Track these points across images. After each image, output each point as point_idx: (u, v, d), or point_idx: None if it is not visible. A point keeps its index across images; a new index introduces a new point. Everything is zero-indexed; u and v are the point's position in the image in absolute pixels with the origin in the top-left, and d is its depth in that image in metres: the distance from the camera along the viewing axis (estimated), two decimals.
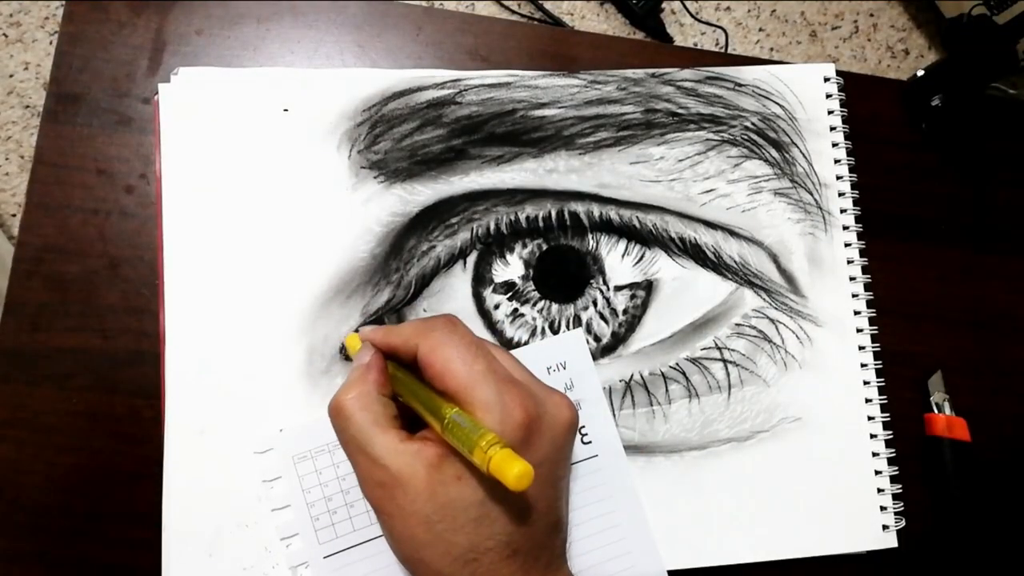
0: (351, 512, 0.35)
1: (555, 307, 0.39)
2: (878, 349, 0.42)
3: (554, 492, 0.32)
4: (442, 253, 0.39)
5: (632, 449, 0.39)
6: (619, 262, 0.40)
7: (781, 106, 0.43)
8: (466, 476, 0.29)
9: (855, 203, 0.43)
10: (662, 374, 0.39)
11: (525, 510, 0.30)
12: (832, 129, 0.43)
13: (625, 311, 0.40)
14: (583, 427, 0.38)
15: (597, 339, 0.39)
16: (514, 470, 0.26)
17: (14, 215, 0.99)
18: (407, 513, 0.29)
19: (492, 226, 0.39)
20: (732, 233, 0.41)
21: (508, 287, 0.39)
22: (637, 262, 0.40)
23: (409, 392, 0.32)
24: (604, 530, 0.37)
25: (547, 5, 1.13)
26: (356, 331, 0.37)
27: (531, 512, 0.30)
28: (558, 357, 0.38)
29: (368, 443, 0.29)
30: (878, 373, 0.41)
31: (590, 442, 0.38)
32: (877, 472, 0.40)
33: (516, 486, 0.26)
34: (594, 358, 0.39)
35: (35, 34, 1.03)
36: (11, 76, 1.02)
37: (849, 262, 0.42)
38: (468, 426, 0.28)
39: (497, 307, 0.39)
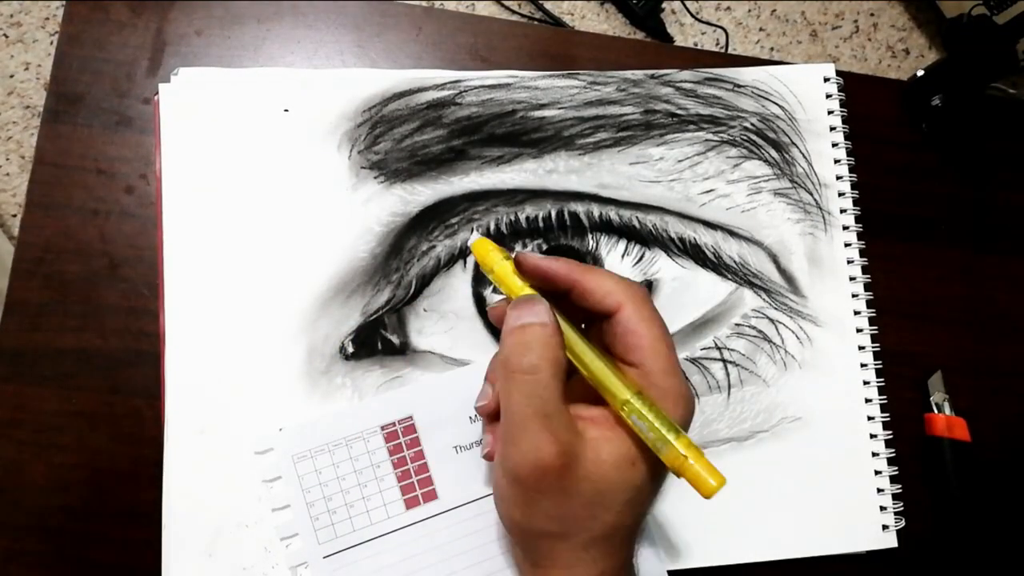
0: (351, 512, 0.35)
1: None
2: (878, 349, 0.42)
3: None
4: (442, 253, 0.39)
5: None
6: (619, 262, 0.40)
7: (780, 106, 0.43)
8: (637, 462, 0.28)
9: (855, 203, 0.43)
10: None
11: (657, 495, 0.30)
12: (832, 129, 0.43)
13: None
14: None
15: None
16: (713, 481, 0.27)
17: (14, 215, 0.99)
18: (570, 493, 0.28)
19: (492, 226, 0.39)
20: (732, 233, 0.41)
21: None
22: (637, 262, 0.40)
23: (583, 356, 0.30)
24: None
25: (547, 5, 1.13)
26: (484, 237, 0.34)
27: (655, 498, 0.30)
28: None
29: (553, 418, 0.28)
30: (878, 373, 0.41)
31: None
32: (877, 472, 0.40)
33: (709, 495, 0.27)
34: None
35: (35, 34, 1.03)
36: (11, 76, 1.02)
37: (849, 262, 0.42)
38: (655, 416, 0.28)
39: None
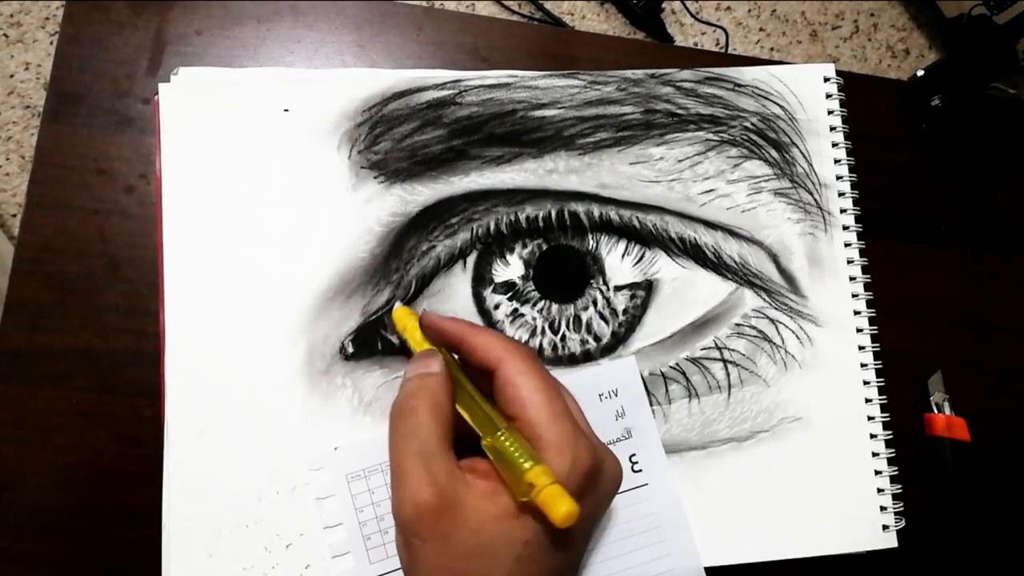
0: None
1: (555, 307, 0.39)
2: (878, 349, 0.42)
3: (584, 546, 0.32)
4: (442, 253, 0.39)
5: None
6: (619, 262, 0.40)
7: (781, 106, 0.43)
8: (516, 514, 0.28)
9: (855, 203, 0.43)
10: (662, 374, 0.39)
11: (561, 556, 0.29)
12: (832, 129, 0.43)
13: (625, 311, 0.40)
14: (634, 455, 0.38)
15: (597, 339, 0.39)
16: (563, 508, 0.26)
17: (14, 215, 0.99)
18: (450, 541, 0.28)
19: (492, 226, 0.39)
20: (732, 233, 0.41)
21: (508, 287, 0.39)
22: (637, 262, 0.40)
23: (467, 400, 0.31)
24: (652, 560, 0.37)
25: (547, 5, 1.13)
26: (402, 304, 0.37)
27: (567, 558, 0.30)
28: (610, 384, 0.38)
29: (431, 458, 0.29)
30: (878, 373, 0.41)
31: (640, 471, 0.38)
32: (877, 472, 0.40)
33: (562, 523, 0.26)
34: (594, 358, 0.39)
35: (35, 34, 1.03)
36: (11, 76, 1.02)
37: (849, 262, 0.42)
38: (522, 451, 0.28)
39: (497, 307, 0.39)
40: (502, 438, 0.28)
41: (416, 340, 0.34)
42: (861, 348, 0.41)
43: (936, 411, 0.42)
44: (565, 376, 0.38)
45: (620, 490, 0.34)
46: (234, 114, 0.39)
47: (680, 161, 0.41)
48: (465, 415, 0.31)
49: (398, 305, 0.37)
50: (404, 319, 0.36)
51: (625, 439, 0.38)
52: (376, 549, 0.35)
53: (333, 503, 0.36)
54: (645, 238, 0.40)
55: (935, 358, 0.43)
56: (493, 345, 0.31)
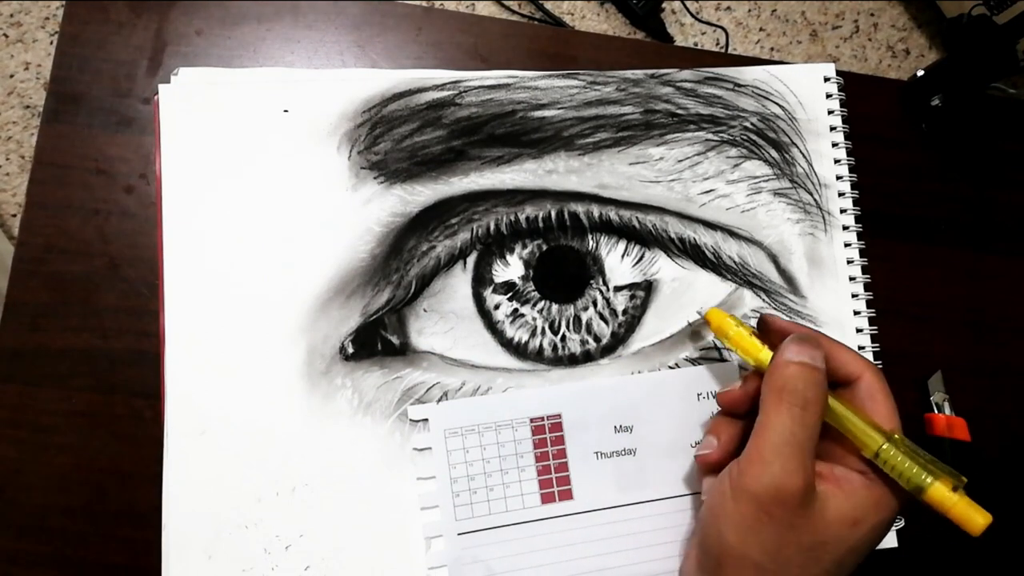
0: (489, 495, 0.36)
1: (555, 307, 0.39)
2: (878, 349, 0.42)
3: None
4: (442, 253, 0.39)
5: None
6: (619, 262, 0.40)
7: (781, 106, 0.43)
8: (859, 524, 0.30)
9: (855, 203, 0.43)
10: None
11: (859, 561, 0.31)
12: (832, 129, 0.43)
13: (625, 311, 0.40)
14: None
15: (597, 339, 0.39)
16: (981, 519, 0.29)
17: (14, 215, 0.99)
18: (795, 529, 0.29)
19: (492, 226, 0.39)
20: (732, 233, 0.41)
21: (508, 287, 0.39)
22: (637, 262, 0.40)
23: (841, 415, 0.32)
24: None
25: (547, 5, 1.13)
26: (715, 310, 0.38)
27: (858, 562, 0.31)
28: (708, 385, 0.39)
29: (808, 452, 0.30)
30: None
31: None
32: None
33: (979, 532, 0.29)
34: (594, 358, 0.39)
35: (35, 34, 1.03)
36: (11, 76, 1.02)
37: (849, 262, 0.42)
38: (914, 459, 0.30)
39: (497, 307, 0.39)
40: (892, 450, 0.30)
41: (750, 346, 0.35)
42: (861, 348, 0.41)
43: (936, 411, 0.42)
44: (662, 375, 0.39)
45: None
46: (234, 114, 0.39)
47: (680, 161, 0.41)
48: (837, 421, 0.32)
49: (711, 307, 0.37)
50: (719, 318, 0.36)
51: None
52: (463, 507, 0.36)
53: (428, 456, 0.36)
54: (645, 238, 0.40)
55: (935, 358, 0.43)
56: (854, 357, 0.33)
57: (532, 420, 0.37)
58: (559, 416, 0.38)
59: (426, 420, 0.37)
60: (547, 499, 0.37)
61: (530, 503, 0.37)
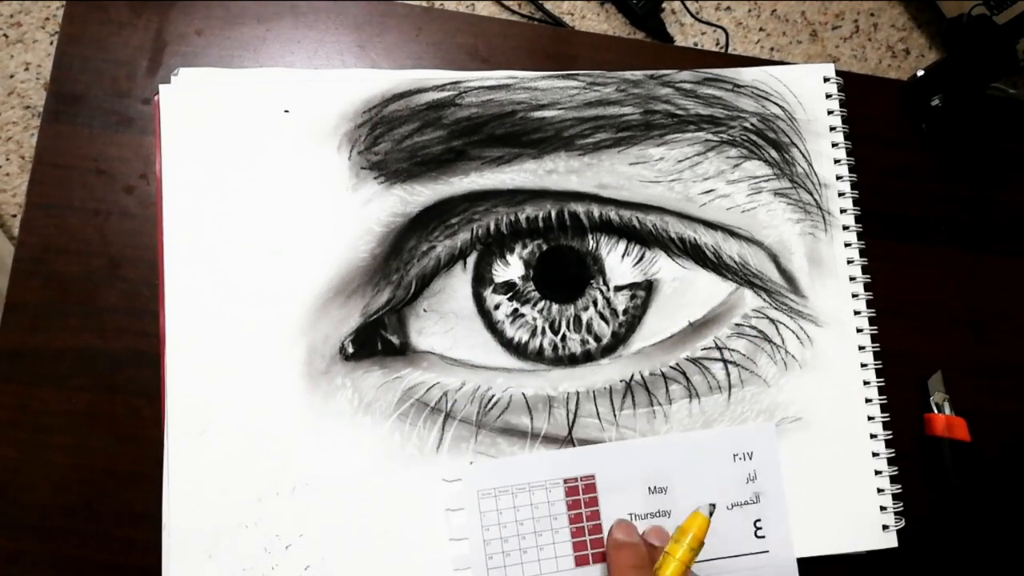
0: (523, 557, 0.36)
1: (555, 307, 0.39)
2: (878, 349, 0.42)
3: None
4: (442, 253, 0.39)
5: None
6: (619, 262, 0.40)
7: (780, 106, 0.43)
8: None
9: (855, 203, 0.43)
10: (662, 374, 0.39)
11: None
12: (832, 129, 0.43)
13: (625, 311, 0.40)
14: (759, 520, 0.38)
15: (597, 339, 0.39)
16: None
17: (14, 215, 0.99)
18: None
19: (492, 226, 0.39)
20: (732, 233, 0.41)
21: (508, 287, 0.39)
22: (637, 262, 0.40)
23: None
24: None
25: (547, 5, 1.13)
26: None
27: None
28: (746, 446, 0.39)
29: None
30: (878, 373, 0.41)
31: (763, 537, 0.38)
32: (877, 472, 0.40)
33: None
34: (594, 358, 0.39)
35: (35, 34, 1.03)
36: (11, 76, 1.02)
37: (849, 262, 0.42)
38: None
39: (497, 307, 0.39)
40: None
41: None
42: (861, 348, 0.41)
43: (936, 411, 0.42)
44: (698, 435, 0.39)
45: (740, 553, 0.37)
46: (234, 115, 0.39)
47: (680, 161, 0.41)
48: None
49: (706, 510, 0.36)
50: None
51: (753, 503, 0.38)
52: (496, 570, 0.36)
53: (462, 516, 0.36)
54: (645, 238, 0.40)
55: (935, 358, 0.43)
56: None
57: (566, 481, 0.37)
58: (592, 477, 0.37)
59: (459, 480, 0.37)
60: (581, 561, 0.36)
61: (564, 565, 0.36)
